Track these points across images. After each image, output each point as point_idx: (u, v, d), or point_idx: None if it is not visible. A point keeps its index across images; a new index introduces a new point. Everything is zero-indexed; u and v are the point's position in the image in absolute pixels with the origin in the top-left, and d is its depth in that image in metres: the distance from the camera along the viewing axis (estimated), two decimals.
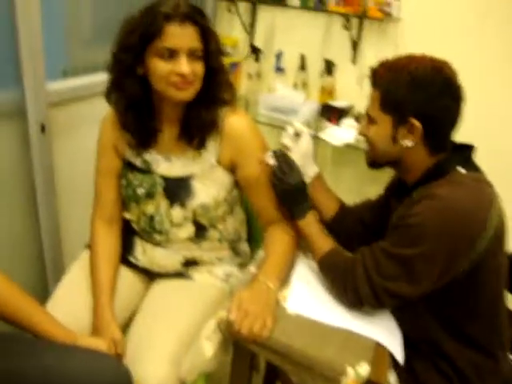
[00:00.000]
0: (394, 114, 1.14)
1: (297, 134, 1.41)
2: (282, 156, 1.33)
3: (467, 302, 1.14)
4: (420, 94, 1.09)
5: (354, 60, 2.23)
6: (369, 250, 1.17)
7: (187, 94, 1.22)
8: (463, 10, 1.98)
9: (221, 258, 1.48)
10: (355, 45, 2.20)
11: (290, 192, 1.31)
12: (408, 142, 1.14)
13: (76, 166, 1.81)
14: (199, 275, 1.44)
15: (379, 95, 1.15)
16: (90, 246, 1.45)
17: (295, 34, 2.37)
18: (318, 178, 1.45)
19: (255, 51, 2.42)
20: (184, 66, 1.17)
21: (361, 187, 2.33)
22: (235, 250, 1.52)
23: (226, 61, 2.41)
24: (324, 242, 1.29)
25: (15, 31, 1.50)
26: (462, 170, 1.12)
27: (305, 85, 2.36)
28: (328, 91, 2.29)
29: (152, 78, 1.22)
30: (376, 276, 1.12)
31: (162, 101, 1.27)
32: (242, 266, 1.52)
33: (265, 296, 1.19)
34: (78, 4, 1.85)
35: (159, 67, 1.18)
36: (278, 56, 2.38)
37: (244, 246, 1.57)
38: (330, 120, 2.17)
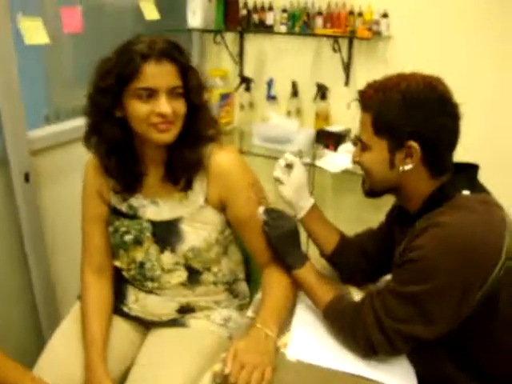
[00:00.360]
0: (390, 137, 1.06)
1: (289, 166, 1.34)
2: (271, 210, 1.26)
3: (483, 333, 1.04)
4: (415, 114, 1.02)
5: (347, 82, 2.17)
6: (376, 292, 1.08)
7: (169, 135, 1.16)
8: (454, 25, 1.94)
9: (218, 302, 1.40)
10: (347, 66, 2.14)
11: (284, 237, 1.23)
12: (407, 166, 1.06)
13: (64, 213, 1.76)
14: (196, 322, 1.36)
15: (371, 119, 1.07)
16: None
17: (285, 61, 2.34)
18: (314, 209, 1.37)
19: (245, 81, 2.38)
20: (164, 105, 1.11)
21: (363, 214, 2.25)
22: (233, 292, 1.44)
23: (217, 92, 2.39)
24: (326, 290, 1.19)
25: None
26: (467, 193, 1.03)
27: (299, 112, 2.30)
28: (323, 116, 2.23)
29: (131, 121, 1.16)
30: (386, 319, 1.03)
31: (144, 143, 1.21)
32: (242, 307, 1.44)
33: (262, 344, 1.10)
34: (58, 49, 1.83)
35: (138, 109, 1.12)
36: (269, 84, 2.33)
37: (242, 287, 1.48)
38: (327, 146, 2.10)
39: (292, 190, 1.33)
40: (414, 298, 1.00)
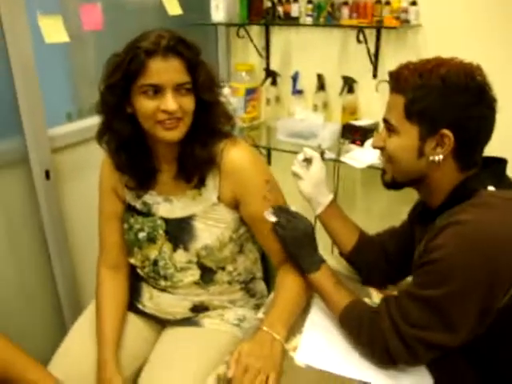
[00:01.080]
0: (422, 123, 0.99)
1: (308, 160, 1.30)
2: (282, 210, 1.22)
3: (508, 340, 0.96)
4: (454, 101, 0.95)
5: (375, 74, 2.09)
6: (394, 297, 1.02)
7: (176, 133, 1.14)
8: (487, 11, 1.82)
9: (233, 301, 1.37)
10: (375, 58, 2.06)
11: (298, 239, 1.19)
12: (437, 156, 0.99)
13: (85, 209, 1.76)
14: (210, 321, 1.33)
15: (404, 101, 1.00)
16: None
17: (311, 54, 2.27)
18: (333, 205, 1.32)
19: (271, 75, 2.33)
20: (169, 101, 1.09)
21: (394, 209, 2.15)
22: (249, 292, 1.41)
23: (243, 87, 2.35)
24: (342, 296, 1.13)
25: (12, 81, 1.50)
26: (492, 189, 0.96)
27: (325, 106, 2.24)
28: (350, 110, 2.15)
29: (139, 117, 1.14)
30: (404, 325, 0.97)
31: (155, 140, 1.19)
32: (259, 307, 1.40)
33: (268, 348, 1.07)
34: (81, 46, 1.84)
35: (144, 105, 1.10)
36: (295, 78, 2.27)
37: (259, 286, 1.45)
38: (353, 141, 2.02)
39: (311, 185, 1.29)
40: (434, 302, 0.93)
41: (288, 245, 1.20)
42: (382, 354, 1.01)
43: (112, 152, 1.24)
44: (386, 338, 0.99)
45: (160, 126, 1.12)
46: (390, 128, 1.04)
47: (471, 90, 0.95)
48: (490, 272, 0.88)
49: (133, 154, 1.21)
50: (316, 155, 1.30)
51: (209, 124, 1.20)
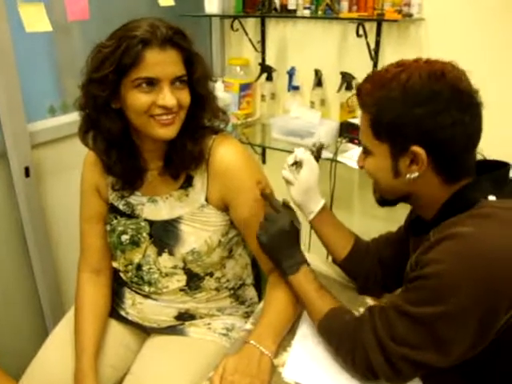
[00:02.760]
0: (391, 141, 0.91)
1: (298, 164, 1.21)
2: (268, 198, 1.14)
3: (507, 357, 0.88)
4: (418, 112, 0.85)
5: (375, 70, 2.00)
6: (379, 308, 0.94)
7: (172, 130, 1.06)
8: (491, 4, 1.74)
9: (221, 309, 1.30)
10: (375, 53, 1.97)
11: (275, 238, 1.10)
12: (413, 174, 0.91)
13: (67, 209, 1.70)
14: (196, 330, 1.26)
15: (369, 119, 0.92)
16: None
17: (308, 48, 2.19)
18: (325, 212, 1.24)
19: (266, 70, 2.25)
20: (168, 96, 1.01)
21: (393, 210, 2.06)
22: (238, 299, 1.33)
23: (237, 82, 2.27)
24: (323, 302, 1.05)
25: None
26: (493, 198, 0.87)
27: (323, 103, 2.15)
28: (349, 108, 2.07)
29: (130, 113, 1.05)
30: (390, 342, 0.88)
31: (143, 136, 1.11)
32: (249, 314, 1.33)
33: (255, 363, 0.99)
34: (66, 37, 1.76)
35: (138, 100, 1.01)
36: (291, 73, 2.18)
37: (249, 293, 1.37)
38: (351, 140, 1.94)
39: (300, 192, 1.20)
40: (426, 320, 0.85)
41: (264, 245, 1.12)
42: (364, 369, 0.93)
43: (101, 152, 1.14)
44: (368, 354, 0.91)
45: (155, 122, 1.04)
46: (364, 149, 0.97)
47: (438, 95, 0.85)
48: (489, 292, 0.80)
49: (123, 152, 1.13)
50: (306, 157, 1.20)
51: (201, 119, 1.13)
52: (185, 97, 1.06)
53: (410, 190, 0.95)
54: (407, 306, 0.87)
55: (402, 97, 0.86)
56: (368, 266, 1.20)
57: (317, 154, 1.26)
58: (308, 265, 1.12)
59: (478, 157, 0.95)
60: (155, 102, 1.01)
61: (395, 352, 0.88)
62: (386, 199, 1.02)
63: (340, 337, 0.98)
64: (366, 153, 0.97)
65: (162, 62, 1.00)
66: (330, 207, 2.07)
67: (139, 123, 1.05)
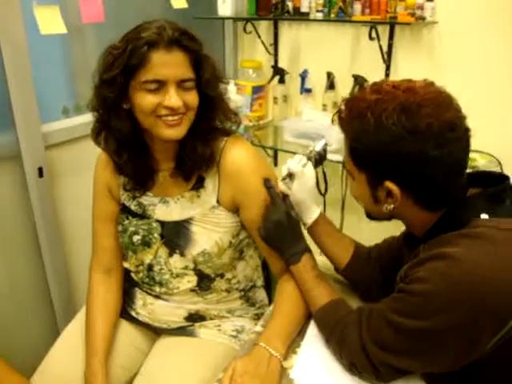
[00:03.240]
0: (366, 172, 0.90)
1: (291, 176, 1.17)
2: (268, 189, 1.13)
3: (499, 378, 0.87)
4: (390, 149, 0.83)
5: (388, 73, 2.00)
6: (368, 310, 0.94)
7: (179, 131, 1.06)
8: (506, 7, 1.71)
9: (231, 311, 1.30)
10: (388, 56, 1.96)
11: (273, 230, 1.11)
12: (389, 206, 0.90)
13: (80, 209, 1.68)
14: (206, 331, 1.26)
15: (348, 146, 0.91)
16: None
17: (321, 51, 2.18)
18: (320, 222, 1.20)
19: (279, 72, 2.24)
20: (173, 98, 1.01)
21: None
22: (248, 300, 1.33)
23: (249, 85, 2.27)
24: (321, 292, 1.06)
25: (3, 73, 1.43)
26: (485, 217, 0.84)
27: (335, 105, 2.14)
28: None
29: (138, 114, 1.06)
30: (373, 347, 0.89)
31: (153, 136, 1.11)
32: (259, 317, 1.33)
33: (265, 365, 0.99)
34: (81, 39, 1.77)
35: (145, 101, 1.02)
36: (303, 76, 2.18)
37: (259, 295, 1.37)
38: None
39: (294, 203, 1.17)
40: (409, 332, 0.84)
41: (264, 238, 1.13)
42: (349, 365, 0.95)
43: (112, 152, 1.15)
44: (352, 354, 0.93)
45: (162, 123, 1.04)
46: (348, 172, 0.97)
47: (410, 134, 0.81)
48: (475, 315, 0.78)
49: (134, 152, 1.14)
50: (298, 170, 1.15)
51: (211, 120, 1.13)
52: (192, 98, 1.05)
53: (393, 215, 0.94)
54: (393, 314, 0.86)
55: (374, 131, 0.84)
56: (369, 273, 1.18)
57: (318, 157, 1.22)
58: (310, 251, 1.13)
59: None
60: (161, 102, 1.02)
61: (377, 356, 0.88)
62: (373, 217, 1.02)
63: (331, 331, 1.00)
64: (349, 175, 0.97)
65: (168, 64, 1.00)
66: (341, 210, 2.06)
67: (147, 124, 1.06)
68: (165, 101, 1.02)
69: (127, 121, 1.08)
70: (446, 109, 0.84)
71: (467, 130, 0.86)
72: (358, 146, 0.88)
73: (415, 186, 0.86)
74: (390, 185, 0.86)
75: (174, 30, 1.01)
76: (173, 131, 1.05)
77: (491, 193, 0.87)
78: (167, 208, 1.20)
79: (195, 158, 1.12)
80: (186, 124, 1.07)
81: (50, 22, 1.49)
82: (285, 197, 1.16)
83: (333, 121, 0.97)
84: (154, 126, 1.05)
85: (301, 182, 1.15)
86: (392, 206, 0.89)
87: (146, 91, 1.02)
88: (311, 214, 1.19)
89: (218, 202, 1.16)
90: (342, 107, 0.92)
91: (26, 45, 1.44)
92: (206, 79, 1.07)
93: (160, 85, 1.01)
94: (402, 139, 0.81)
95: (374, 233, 1.27)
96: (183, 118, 1.05)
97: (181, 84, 1.03)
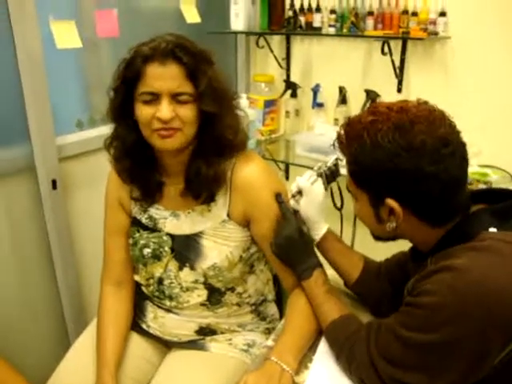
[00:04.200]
0: (367, 192, 0.91)
1: (300, 193, 1.17)
2: (279, 204, 1.14)
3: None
4: (387, 167, 0.85)
5: (400, 88, 2.00)
6: (377, 325, 0.93)
7: (172, 142, 1.07)
8: None
9: (242, 325, 1.29)
10: (400, 71, 1.96)
11: (284, 245, 1.11)
12: (392, 224, 0.90)
13: (94, 221, 1.69)
14: (217, 345, 1.25)
15: (349, 168, 0.93)
16: None
17: (333, 65, 2.19)
18: (328, 239, 1.20)
19: (291, 86, 2.25)
20: (164, 110, 1.02)
21: None
22: (260, 315, 1.32)
23: (261, 99, 2.28)
24: (332, 307, 1.06)
25: (20, 86, 1.46)
26: (494, 230, 0.84)
27: None
28: None
29: (139, 125, 1.08)
30: (382, 361, 0.88)
31: (159, 150, 1.13)
32: (270, 331, 1.32)
33: (276, 380, 0.98)
34: (95, 53, 1.79)
35: (142, 112, 1.05)
36: (315, 90, 2.18)
37: (271, 309, 1.36)
38: None
39: (304, 220, 1.18)
40: (417, 346, 0.83)
41: (276, 253, 1.13)
42: (358, 381, 0.94)
43: (115, 159, 1.18)
44: (361, 370, 0.92)
45: (156, 134, 1.06)
46: (351, 193, 0.98)
47: (405, 151, 0.83)
48: (481, 327, 0.77)
49: (137, 162, 1.15)
50: (306, 186, 1.15)
51: (214, 138, 1.11)
52: (186, 112, 1.05)
53: (398, 234, 0.95)
54: (401, 328, 0.86)
55: (371, 151, 0.86)
56: (379, 288, 1.17)
57: (329, 173, 1.21)
58: (321, 266, 1.13)
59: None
60: (154, 115, 1.03)
61: (386, 371, 0.87)
62: (379, 238, 1.02)
63: (341, 347, 0.99)
64: (353, 196, 0.98)
65: (162, 76, 1.02)
66: (353, 225, 2.05)
67: (145, 134, 1.08)
68: (157, 112, 1.03)
69: (133, 131, 1.11)
70: (439, 125, 0.85)
71: (462, 145, 0.87)
72: (358, 167, 0.90)
73: (414, 202, 0.87)
74: (390, 202, 0.87)
75: (170, 43, 1.02)
76: (165, 142, 1.06)
77: (499, 208, 0.88)
78: (178, 221, 1.20)
79: (201, 181, 1.12)
80: (181, 137, 1.07)
81: (66, 36, 1.51)
82: (295, 212, 1.16)
83: (334, 146, 0.98)
84: (150, 136, 1.07)
85: (309, 199, 1.15)
86: (394, 224, 0.90)
87: (143, 103, 1.04)
88: (319, 230, 1.19)
89: (228, 216, 1.16)
90: (341, 132, 0.93)
91: (43, 58, 1.47)
92: (201, 93, 1.05)
93: (155, 97, 1.03)
94: (398, 156, 0.83)
95: (389, 246, 1.26)
96: (177, 132, 1.05)
97: (175, 97, 1.04)
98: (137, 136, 1.11)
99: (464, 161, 0.87)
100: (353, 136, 0.90)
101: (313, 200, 1.16)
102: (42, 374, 1.26)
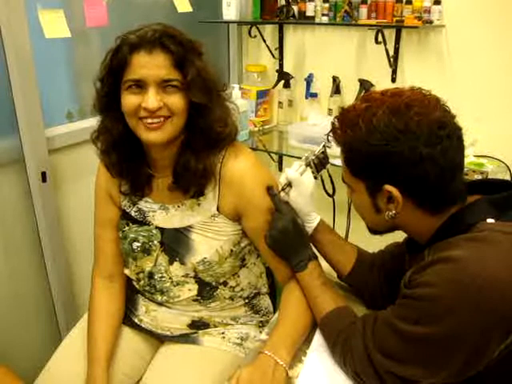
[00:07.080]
0: (364, 180, 0.90)
1: (289, 185, 1.14)
2: (272, 197, 1.12)
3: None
4: (384, 151, 0.84)
5: (394, 78, 1.98)
6: (373, 318, 0.92)
7: (160, 134, 1.04)
8: None
9: (236, 318, 1.28)
10: (394, 60, 1.95)
11: (279, 238, 1.09)
12: (391, 212, 0.89)
13: (84, 214, 1.67)
14: (209, 339, 1.24)
15: (344, 158, 0.92)
16: None
17: (326, 55, 2.17)
18: (320, 230, 1.19)
19: (284, 77, 2.23)
20: (151, 99, 1.00)
21: None
22: (253, 308, 1.31)
23: (254, 89, 2.26)
24: (327, 299, 1.05)
25: (7, 76, 1.43)
26: (491, 221, 0.83)
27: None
28: None
29: (125, 116, 1.06)
30: (377, 354, 0.87)
31: (146, 144, 1.11)
32: (264, 324, 1.31)
33: (270, 374, 0.97)
34: (85, 43, 1.76)
35: (127, 101, 1.03)
36: (309, 80, 2.16)
37: (264, 302, 1.35)
38: None
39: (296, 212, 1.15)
40: (415, 339, 0.82)
41: (271, 246, 1.11)
42: (352, 373, 0.93)
43: (103, 152, 1.16)
44: (356, 362, 0.91)
45: (142, 125, 1.04)
46: (347, 185, 0.97)
47: (402, 133, 0.82)
48: (482, 320, 0.76)
49: (125, 155, 1.13)
50: (295, 178, 1.12)
51: (203, 130, 1.08)
52: (175, 101, 1.03)
53: (395, 224, 0.94)
54: (398, 321, 0.85)
55: (367, 137, 0.85)
56: (373, 280, 1.16)
57: (318, 161, 1.18)
58: (316, 258, 1.12)
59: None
60: (141, 103, 1.02)
61: (382, 365, 0.87)
62: (375, 231, 1.01)
63: (336, 339, 0.98)
64: (349, 188, 0.97)
65: (148, 65, 1.00)
66: (347, 214, 2.03)
67: (131, 126, 1.06)
68: (143, 101, 1.01)
69: (119, 123, 1.09)
70: (434, 108, 0.85)
71: (458, 128, 0.87)
72: (353, 154, 0.90)
73: (412, 187, 0.86)
74: (389, 187, 0.86)
75: (158, 31, 1.01)
76: (152, 135, 1.04)
77: (497, 199, 0.87)
78: (167, 215, 1.18)
79: (189, 175, 1.10)
80: (169, 128, 1.05)
81: (55, 25, 1.48)
82: (287, 204, 1.14)
83: (328, 137, 0.97)
84: (136, 128, 1.05)
85: (299, 190, 1.13)
86: (394, 211, 0.89)
87: (129, 92, 1.03)
88: (311, 222, 1.17)
89: (218, 210, 1.14)
90: (335, 122, 0.92)
91: (31, 48, 1.44)
92: (189, 82, 1.03)
93: (141, 85, 1.01)
94: (395, 139, 0.83)
95: (383, 237, 1.25)
96: (165, 122, 1.04)
97: (163, 85, 1.02)
98: (124, 128, 1.09)
99: (460, 143, 0.87)
100: (347, 124, 0.89)
101: (303, 191, 1.13)
102: (32, 369, 1.25)
